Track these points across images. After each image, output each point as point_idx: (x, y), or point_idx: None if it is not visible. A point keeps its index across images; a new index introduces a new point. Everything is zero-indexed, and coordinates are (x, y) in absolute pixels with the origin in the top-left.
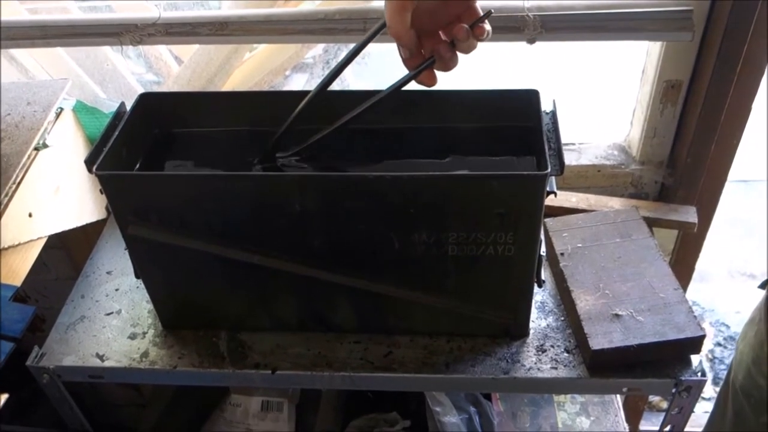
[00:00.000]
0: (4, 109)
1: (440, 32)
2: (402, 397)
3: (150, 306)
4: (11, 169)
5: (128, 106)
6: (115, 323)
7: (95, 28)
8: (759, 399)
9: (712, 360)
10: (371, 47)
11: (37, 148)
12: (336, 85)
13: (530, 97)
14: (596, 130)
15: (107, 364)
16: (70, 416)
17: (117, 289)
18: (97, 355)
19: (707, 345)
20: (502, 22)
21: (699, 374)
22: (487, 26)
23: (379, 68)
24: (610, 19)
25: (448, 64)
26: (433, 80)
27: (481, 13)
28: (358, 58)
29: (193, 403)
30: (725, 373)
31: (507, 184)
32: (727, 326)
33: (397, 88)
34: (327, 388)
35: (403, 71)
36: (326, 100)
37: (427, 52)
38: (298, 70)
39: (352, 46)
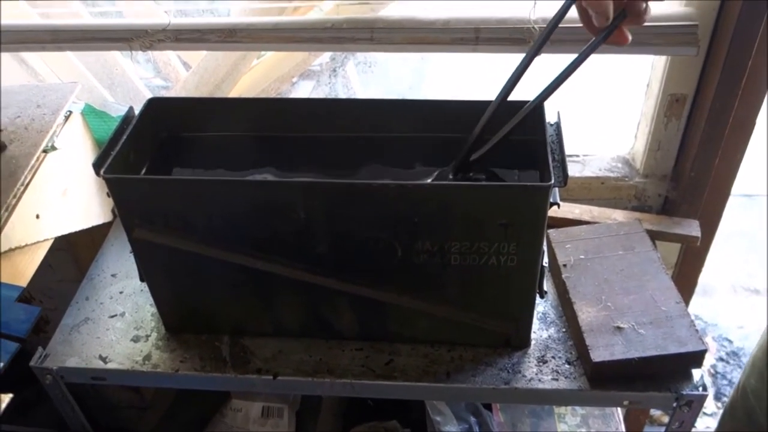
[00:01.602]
0: (13, 112)
1: None
2: (403, 405)
3: (154, 309)
4: (20, 170)
5: (136, 111)
6: (119, 326)
7: (106, 34)
8: None
9: (714, 375)
10: (377, 56)
11: (45, 151)
12: (342, 94)
13: (535, 109)
14: (600, 142)
15: (110, 366)
16: (72, 417)
17: (121, 292)
18: (100, 357)
19: (709, 360)
20: (507, 33)
21: (700, 389)
22: None
23: (384, 75)
24: None
25: (642, 17)
26: (626, 38)
27: None
28: (364, 67)
29: (194, 407)
30: (727, 388)
31: (510, 195)
32: (730, 341)
33: (585, 57)
34: (328, 395)
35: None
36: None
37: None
38: (305, 77)
39: (358, 54)
